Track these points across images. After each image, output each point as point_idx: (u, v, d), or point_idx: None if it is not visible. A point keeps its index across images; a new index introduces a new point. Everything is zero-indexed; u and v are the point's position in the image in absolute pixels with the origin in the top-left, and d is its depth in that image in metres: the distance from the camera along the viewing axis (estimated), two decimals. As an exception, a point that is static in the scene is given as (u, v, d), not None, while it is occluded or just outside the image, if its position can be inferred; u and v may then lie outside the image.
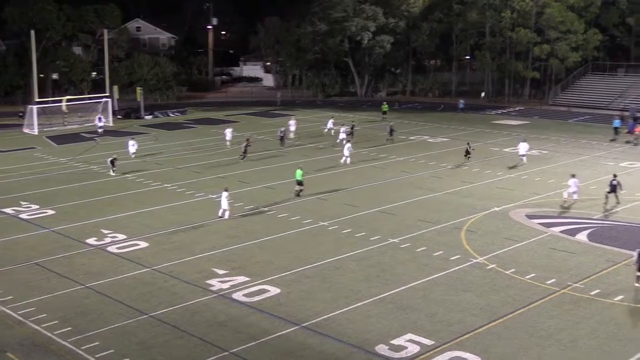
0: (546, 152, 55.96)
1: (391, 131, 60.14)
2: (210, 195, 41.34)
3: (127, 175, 46.95)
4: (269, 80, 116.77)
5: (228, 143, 58.33)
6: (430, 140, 62.00)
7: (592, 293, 26.91)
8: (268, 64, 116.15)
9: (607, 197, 39.48)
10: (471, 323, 24.13)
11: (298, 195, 41.14)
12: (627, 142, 60.50)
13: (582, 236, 34.04)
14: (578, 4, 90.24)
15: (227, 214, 36.44)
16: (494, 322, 24.24)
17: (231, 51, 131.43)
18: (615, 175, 40.08)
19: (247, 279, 28.28)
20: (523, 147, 50.32)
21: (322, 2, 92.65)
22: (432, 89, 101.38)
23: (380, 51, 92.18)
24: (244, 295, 26.64)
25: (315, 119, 75.78)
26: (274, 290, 27.09)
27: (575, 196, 39.50)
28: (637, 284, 27.50)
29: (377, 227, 35.21)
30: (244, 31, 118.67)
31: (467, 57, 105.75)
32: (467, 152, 50.84)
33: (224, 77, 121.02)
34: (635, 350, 22.21)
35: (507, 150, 55.68)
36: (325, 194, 41.92)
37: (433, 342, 22.65)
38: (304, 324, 24.08)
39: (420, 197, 41.30)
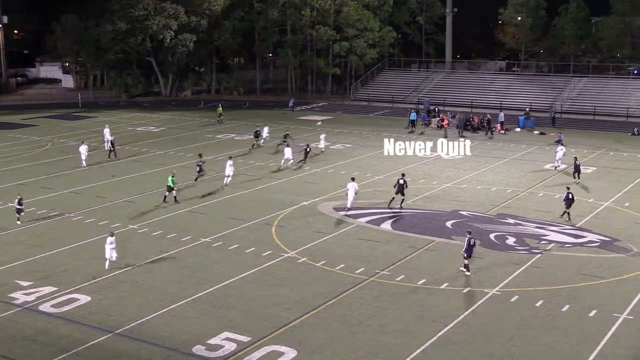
0: (350, 145, 57.94)
1: (257, 135, 56.77)
2: (10, 204, 39.21)
3: None
4: (68, 81, 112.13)
5: (84, 163, 49.69)
6: (237, 137, 62.25)
7: (398, 279, 28.28)
8: (67, 64, 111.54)
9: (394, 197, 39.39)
10: (286, 317, 24.61)
11: (164, 200, 39.37)
12: (421, 133, 63.96)
13: (387, 225, 35.65)
14: (373, 2, 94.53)
15: (107, 263, 29.12)
16: (307, 314, 24.86)
17: (26, 51, 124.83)
18: (403, 175, 39.77)
19: (55, 288, 27.13)
20: (288, 152, 49.00)
21: (121, 0, 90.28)
22: (237, 87, 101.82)
23: (183, 50, 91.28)
24: (52, 306, 25.55)
25: (121, 120, 73.82)
26: (84, 299, 26.20)
27: (351, 200, 37.99)
28: (463, 269, 28.71)
29: (188, 227, 34.97)
30: (39, 30, 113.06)
31: (270, 55, 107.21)
32: (306, 153, 50.26)
33: (19, 78, 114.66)
34: (439, 329, 23.63)
35: (313, 145, 57.04)
36: (134, 197, 41.02)
37: (249, 339, 22.88)
38: (117, 331, 23.49)
39: (230, 195, 41.40)
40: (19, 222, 35.57)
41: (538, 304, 25.78)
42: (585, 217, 37.02)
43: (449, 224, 35.90)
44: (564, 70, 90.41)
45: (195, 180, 44.22)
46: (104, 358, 21.75)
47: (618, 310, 25.17)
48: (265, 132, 58.34)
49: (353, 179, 38.93)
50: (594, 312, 25.10)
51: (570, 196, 36.29)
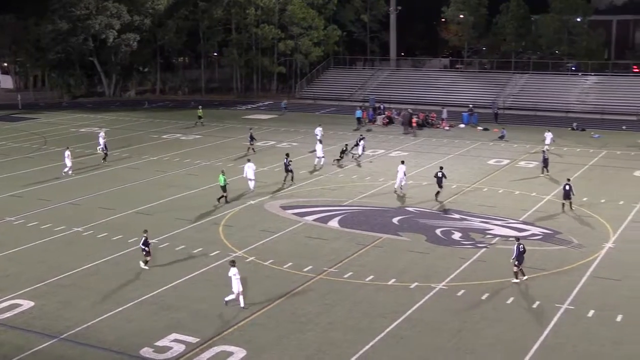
0: (296, 144, 57.92)
1: (252, 138, 55.11)
2: (-51, 209, 38.37)
3: None
4: (7, 82, 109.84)
5: (70, 171, 46.33)
6: (183, 137, 61.80)
7: (346, 276, 28.42)
8: (5, 64, 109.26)
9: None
10: (234, 316, 24.55)
11: (219, 201, 38.94)
12: (369, 130, 64.31)
13: (334, 223, 35.76)
14: (317, 1, 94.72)
15: (241, 299, 25.48)
16: (256, 314, 24.83)
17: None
18: (441, 167, 40.82)
19: (-3, 294, 26.64)
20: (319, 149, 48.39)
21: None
22: (182, 87, 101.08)
23: (127, 50, 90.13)
24: (-6, 312, 25.09)
25: (63, 121, 72.59)
26: (27, 304, 25.73)
27: (403, 182, 41.30)
28: (515, 280, 27.66)
29: (134, 229, 34.51)
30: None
31: (215, 54, 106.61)
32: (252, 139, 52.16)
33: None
34: (387, 324, 23.83)
35: (259, 144, 56.88)
36: (78, 199, 40.42)
37: (198, 340, 22.76)
38: (62, 336, 23.13)
39: (176, 196, 41.06)
40: (143, 266, 29.45)
41: (484, 297, 26.18)
42: (528, 210, 37.70)
43: (395, 220, 36.19)
44: (505, 67, 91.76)
45: (292, 180, 43.96)
46: (49, 363, 21.43)
47: (560, 301, 25.72)
48: (318, 132, 56.41)
49: (402, 162, 42.02)
50: (537, 303, 25.61)
51: (567, 187, 37.09)
